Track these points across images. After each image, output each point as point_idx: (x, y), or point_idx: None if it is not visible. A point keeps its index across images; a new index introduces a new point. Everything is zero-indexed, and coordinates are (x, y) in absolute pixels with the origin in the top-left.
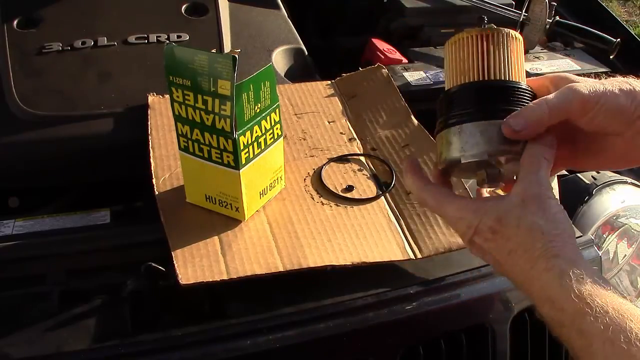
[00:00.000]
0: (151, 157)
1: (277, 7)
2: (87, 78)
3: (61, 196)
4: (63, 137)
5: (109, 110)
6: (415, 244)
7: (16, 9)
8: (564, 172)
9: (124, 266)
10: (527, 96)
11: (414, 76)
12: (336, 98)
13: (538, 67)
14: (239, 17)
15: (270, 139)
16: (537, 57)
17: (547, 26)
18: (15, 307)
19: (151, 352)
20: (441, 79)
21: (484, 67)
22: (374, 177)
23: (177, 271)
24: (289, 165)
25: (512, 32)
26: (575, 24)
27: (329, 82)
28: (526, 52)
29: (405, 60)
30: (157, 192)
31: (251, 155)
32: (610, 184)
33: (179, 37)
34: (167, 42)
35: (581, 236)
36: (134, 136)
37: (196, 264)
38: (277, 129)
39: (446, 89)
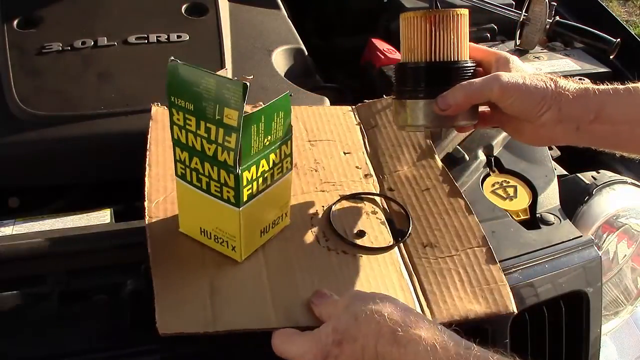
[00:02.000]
0: (146, 176)
1: (277, 7)
2: (87, 78)
3: (61, 196)
4: (63, 137)
5: (109, 110)
6: (427, 307)
7: (16, 9)
8: (564, 172)
9: (124, 266)
10: (466, 73)
11: None
12: (355, 127)
13: (538, 67)
14: (239, 17)
15: (278, 174)
16: (537, 57)
17: (547, 26)
18: (15, 307)
19: (151, 352)
20: None
21: (429, 48)
22: (389, 223)
23: (157, 318)
24: (296, 199)
25: (455, 11)
26: (575, 24)
27: (350, 107)
28: (526, 52)
29: None
30: (147, 218)
31: (254, 192)
32: (610, 184)
33: (179, 37)
34: (167, 41)
35: (581, 236)
36: (134, 136)
37: (179, 310)
38: (286, 162)
39: (401, 60)
